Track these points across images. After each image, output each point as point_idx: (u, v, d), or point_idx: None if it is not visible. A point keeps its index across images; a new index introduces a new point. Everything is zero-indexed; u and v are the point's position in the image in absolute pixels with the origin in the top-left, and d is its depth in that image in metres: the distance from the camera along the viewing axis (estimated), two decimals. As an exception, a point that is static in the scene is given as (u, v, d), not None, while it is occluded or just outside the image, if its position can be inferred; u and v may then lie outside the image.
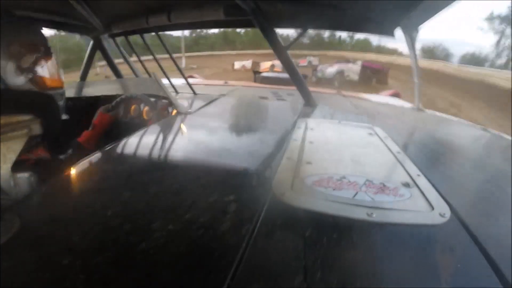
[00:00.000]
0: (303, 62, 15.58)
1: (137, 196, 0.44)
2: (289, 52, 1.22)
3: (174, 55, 1.72)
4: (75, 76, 1.77)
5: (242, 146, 0.73)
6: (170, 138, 0.79)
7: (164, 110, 1.10)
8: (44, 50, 0.69)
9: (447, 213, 0.42)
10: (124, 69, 1.82)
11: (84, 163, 0.55)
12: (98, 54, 1.67)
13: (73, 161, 0.84)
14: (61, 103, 0.74)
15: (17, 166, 0.59)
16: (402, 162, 0.61)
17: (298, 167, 0.55)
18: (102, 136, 0.94)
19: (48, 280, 0.28)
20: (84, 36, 1.62)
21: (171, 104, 1.09)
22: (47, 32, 0.72)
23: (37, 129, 0.65)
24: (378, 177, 0.52)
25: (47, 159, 0.71)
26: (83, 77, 1.73)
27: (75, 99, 1.23)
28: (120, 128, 0.97)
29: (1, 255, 0.30)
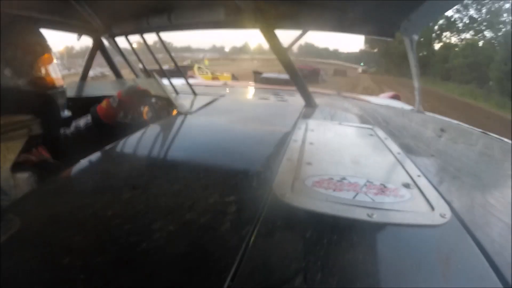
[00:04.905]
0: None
1: (137, 196, 0.43)
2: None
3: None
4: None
5: (242, 147, 0.73)
6: (170, 138, 0.79)
7: (164, 110, 1.10)
8: (43, 49, 0.69)
9: (448, 213, 0.42)
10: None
11: (84, 163, 0.55)
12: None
13: (88, 129, 0.88)
14: (62, 101, 0.74)
15: (17, 167, 0.59)
16: (402, 162, 0.61)
17: (298, 168, 0.55)
18: (118, 113, 0.94)
19: (48, 280, 0.28)
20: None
21: (171, 104, 1.09)
22: (48, 32, 0.72)
23: (37, 129, 0.65)
24: (378, 178, 0.52)
25: (46, 159, 0.71)
26: (83, 77, 1.73)
27: (75, 99, 1.23)
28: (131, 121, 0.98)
29: (1, 255, 0.30)
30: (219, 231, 0.35)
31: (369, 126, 0.93)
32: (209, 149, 0.69)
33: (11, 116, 0.60)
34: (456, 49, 24.74)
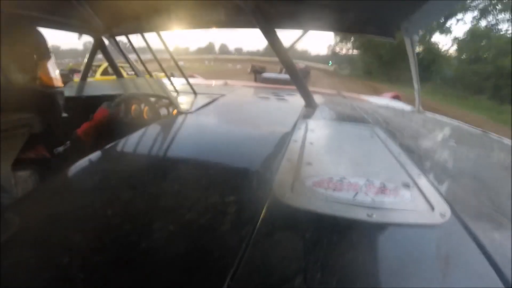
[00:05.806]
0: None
1: (137, 196, 0.43)
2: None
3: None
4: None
5: (242, 147, 0.73)
6: (170, 138, 0.79)
7: (164, 110, 1.10)
8: (44, 50, 0.69)
9: (448, 213, 0.42)
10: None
11: (84, 162, 0.55)
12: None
13: (69, 153, 0.85)
14: (60, 102, 0.75)
15: (17, 164, 0.59)
16: (402, 162, 0.61)
17: (298, 168, 0.55)
18: (100, 131, 0.94)
19: (47, 279, 0.28)
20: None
21: (171, 103, 1.09)
22: (48, 32, 0.72)
23: (37, 127, 0.65)
24: (378, 177, 0.52)
25: (46, 157, 0.71)
26: (84, 77, 1.73)
27: (76, 99, 1.23)
28: (119, 127, 0.98)
29: (1, 254, 0.30)
30: (219, 231, 0.35)
31: (369, 126, 0.93)
32: (209, 149, 0.69)
33: (12, 114, 0.60)
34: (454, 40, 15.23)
